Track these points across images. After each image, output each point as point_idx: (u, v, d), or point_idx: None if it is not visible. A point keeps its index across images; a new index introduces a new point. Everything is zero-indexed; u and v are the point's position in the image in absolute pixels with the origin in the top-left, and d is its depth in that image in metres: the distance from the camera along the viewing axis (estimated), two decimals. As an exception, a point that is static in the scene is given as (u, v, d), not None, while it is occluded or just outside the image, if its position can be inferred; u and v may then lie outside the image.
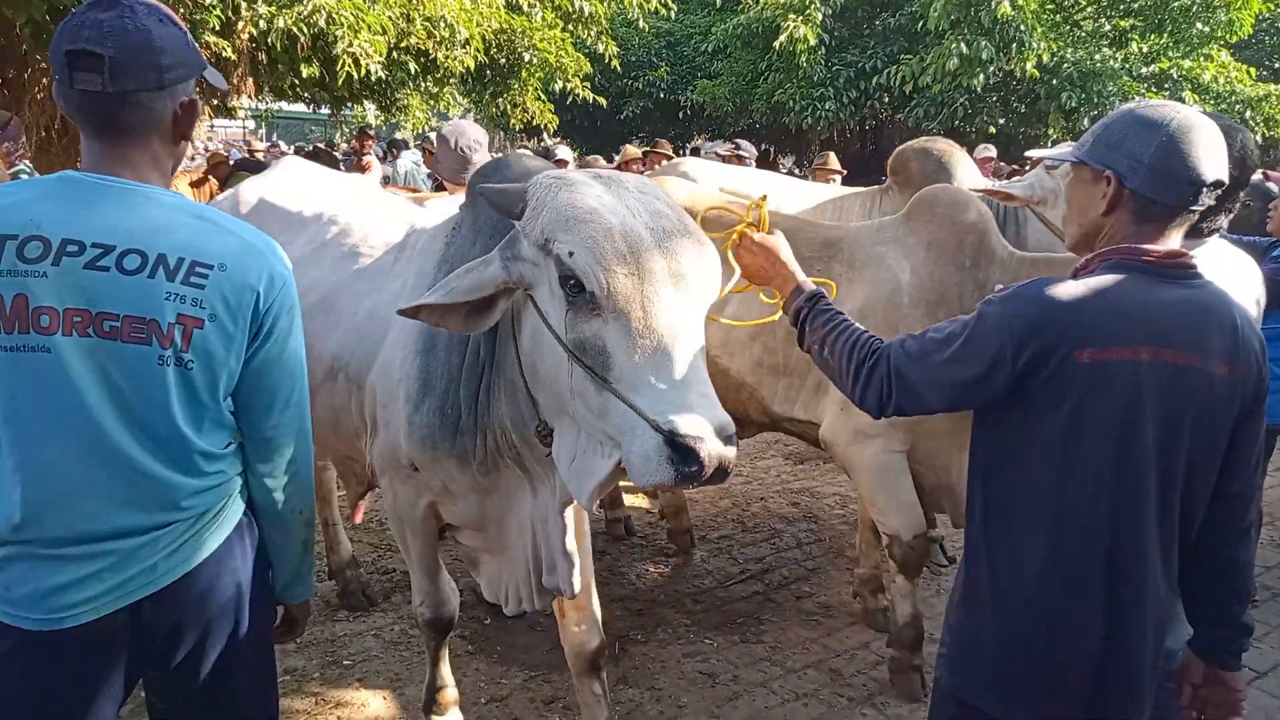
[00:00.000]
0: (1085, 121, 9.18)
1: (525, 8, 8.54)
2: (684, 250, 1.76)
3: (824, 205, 5.00)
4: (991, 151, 7.12)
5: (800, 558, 4.37)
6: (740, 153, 8.55)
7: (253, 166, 10.00)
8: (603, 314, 1.69)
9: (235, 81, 6.79)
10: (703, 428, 1.58)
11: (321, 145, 16.10)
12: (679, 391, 1.62)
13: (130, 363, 1.47)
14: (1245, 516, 1.75)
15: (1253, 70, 11.08)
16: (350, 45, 5.31)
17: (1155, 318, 1.59)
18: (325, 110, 11.86)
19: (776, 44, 9.32)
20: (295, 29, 5.09)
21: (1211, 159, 1.58)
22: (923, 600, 3.94)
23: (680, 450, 1.56)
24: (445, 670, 2.83)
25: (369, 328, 2.49)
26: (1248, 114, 10.49)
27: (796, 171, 18.56)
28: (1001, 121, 9.94)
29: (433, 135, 9.79)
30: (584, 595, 2.57)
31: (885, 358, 1.71)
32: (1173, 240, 1.65)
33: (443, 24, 6.21)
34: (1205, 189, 1.59)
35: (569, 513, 2.27)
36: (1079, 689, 1.65)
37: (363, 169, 10.18)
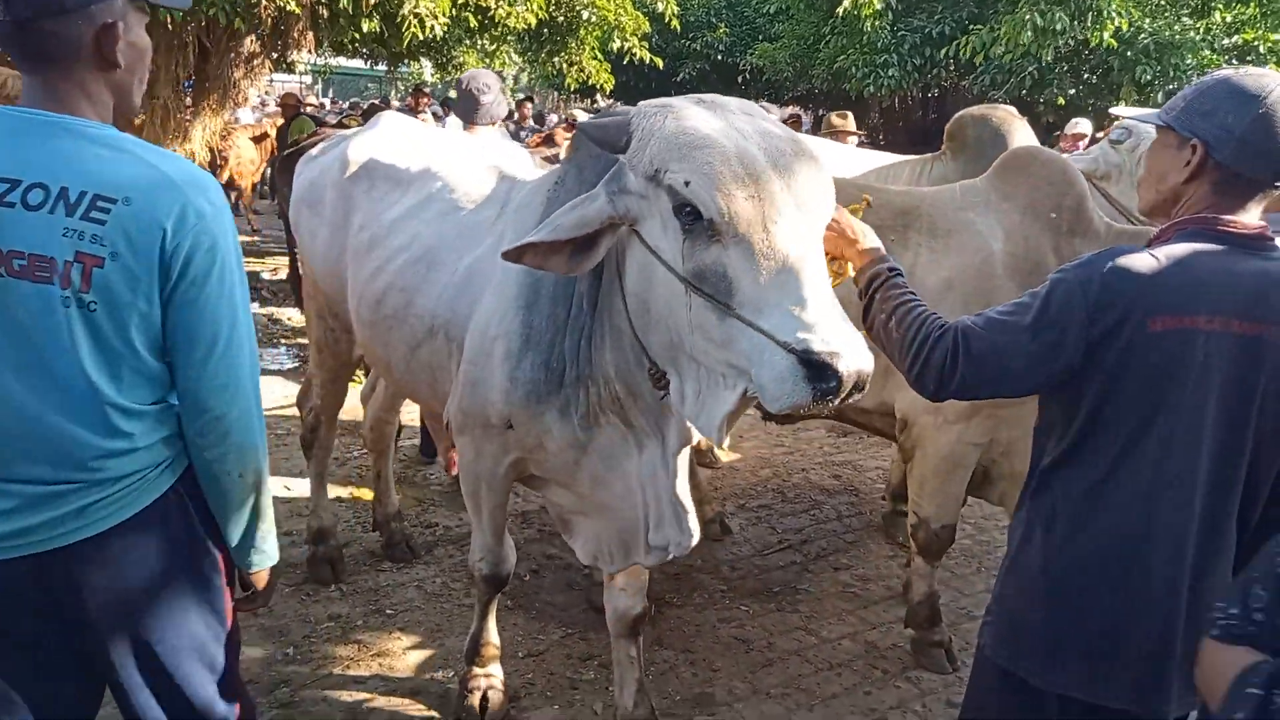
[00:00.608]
0: (1160, 96, 8.83)
1: (582, -37, 8.43)
2: (800, 170, 1.72)
3: (869, 173, 4.80)
4: (1085, 127, 6.65)
5: (840, 530, 4.35)
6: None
7: (315, 120, 10.12)
8: (723, 240, 1.66)
9: (296, 36, 6.87)
10: (836, 342, 1.56)
11: (377, 103, 16.23)
12: (807, 310, 1.59)
13: (33, 303, 1.40)
14: None
15: (1344, 44, 10.52)
16: (416, 5, 5.30)
17: (1230, 288, 1.54)
18: (382, 67, 11.92)
19: (841, 8, 9.07)
20: None
21: None
22: (960, 577, 3.93)
23: (815, 367, 1.54)
24: (491, 624, 2.88)
25: (469, 286, 2.46)
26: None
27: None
28: (1072, 93, 9.61)
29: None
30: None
31: (951, 333, 1.64)
32: (1253, 213, 1.60)
33: (505, -21, 6.15)
34: None
35: (681, 462, 2.26)
36: (1136, 677, 1.62)
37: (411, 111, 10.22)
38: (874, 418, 3.13)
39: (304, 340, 5.32)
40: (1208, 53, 9.08)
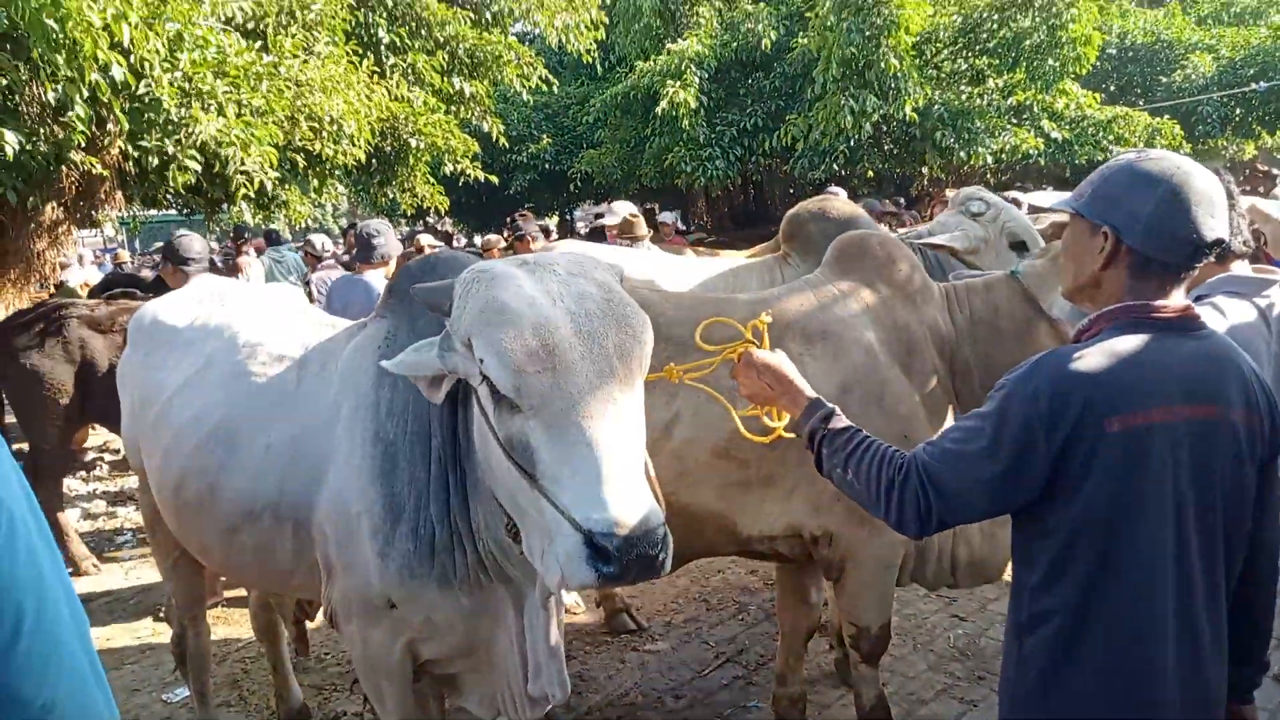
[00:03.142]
0: (962, 155, 9.67)
1: (406, 95, 8.43)
2: (609, 332, 1.69)
3: (716, 280, 4.68)
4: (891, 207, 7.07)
5: (771, 630, 4.22)
6: (892, 209, 8.33)
7: (127, 281, 9.44)
8: (524, 412, 1.67)
9: (103, 196, 6.42)
10: (622, 523, 1.53)
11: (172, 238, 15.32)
12: (600, 487, 1.57)
13: None
14: (1276, 561, 1.73)
15: (1098, 95, 11.93)
16: (242, 164, 5.06)
17: (1176, 375, 1.55)
18: (199, 215, 11.39)
19: (659, 109, 9.48)
20: (184, 157, 4.80)
21: (1212, 217, 1.54)
22: (900, 659, 3.85)
23: (599, 550, 1.53)
24: (431, 832, 2.55)
25: (297, 461, 2.27)
26: (1099, 135, 11.25)
27: (681, 227, 18.94)
28: (880, 165, 10.36)
29: (313, 237, 9.52)
30: None
31: (913, 470, 1.60)
32: (1176, 296, 1.61)
33: (329, 121, 6.00)
34: (1205, 249, 1.55)
35: (550, 610, 2.18)
36: None
37: (236, 270, 9.83)
38: (779, 543, 2.94)
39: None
40: (993, 115, 10.04)
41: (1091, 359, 1.54)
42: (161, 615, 3.36)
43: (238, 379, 2.49)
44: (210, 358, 2.60)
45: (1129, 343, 1.56)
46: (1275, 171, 10.52)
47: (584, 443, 1.60)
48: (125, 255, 18.01)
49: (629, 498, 1.57)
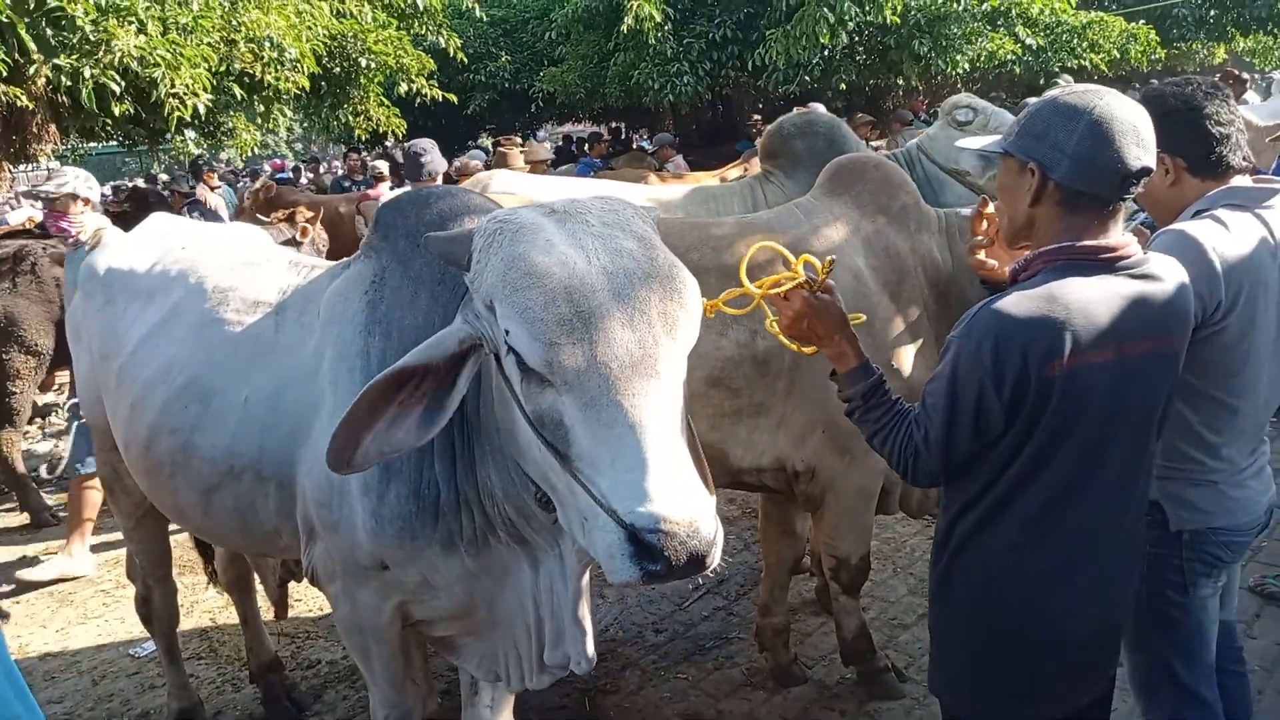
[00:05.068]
0: (940, 63, 9.40)
1: (353, 11, 7.97)
2: (652, 297, 1.48)
3: (693, 206, 4.43)
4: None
5: (751, 560, 4.18)
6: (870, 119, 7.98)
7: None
8: (555, 386, 1.47)
9: (35, 129, 6.05)
10: (670, 519, 1.34)
11: (140, 184, 14.77)
12: (644, 476, 1.37)
13: None
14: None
15: (1072, 0, 11.62)
16: (173, 86, 4.72)
17: (1116, 316, 1.56)
18: (142, 146, 10.90)
19: (624, 25, 9.05)
20: (105, 79, 4.46)
21: (1138, 145, 1.54)
22: (880, 583, 3.83)
23: (643, 547, 1.35)
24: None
25: (279, 417, 2.12)
26: (1074, 42, 10.99)
27: (646, 146, 18.48)
28: (853, 78, 10.06)
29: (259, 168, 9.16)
30: None
31: (914, 433, 1.68)
32: (1113, 232, 1.61)
33: (269, 44, 5.63)
34: (1132, 178, 1.55)
35: (584, 583, 2.01)
36: (1100, 665, 1.76)
37: (197, 204, 9.39)
38: (767, 476, 2.91)
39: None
40: (970, 20, 9.74)
41: (1026, 304, 1.56)
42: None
43: (209, 328, 2.30)
44: (176, 306, 2.41)
45: (1063, 285, 1.57)
46: (1245, 75, 10.35)
47: (625, 424, 1.41)
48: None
49: (677, 488, 1.38)
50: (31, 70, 5.08)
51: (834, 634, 3.26)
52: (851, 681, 3.20)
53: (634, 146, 15.67)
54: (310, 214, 5.97)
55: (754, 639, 3.39)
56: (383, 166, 9.91)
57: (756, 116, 12.79)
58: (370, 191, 9.00)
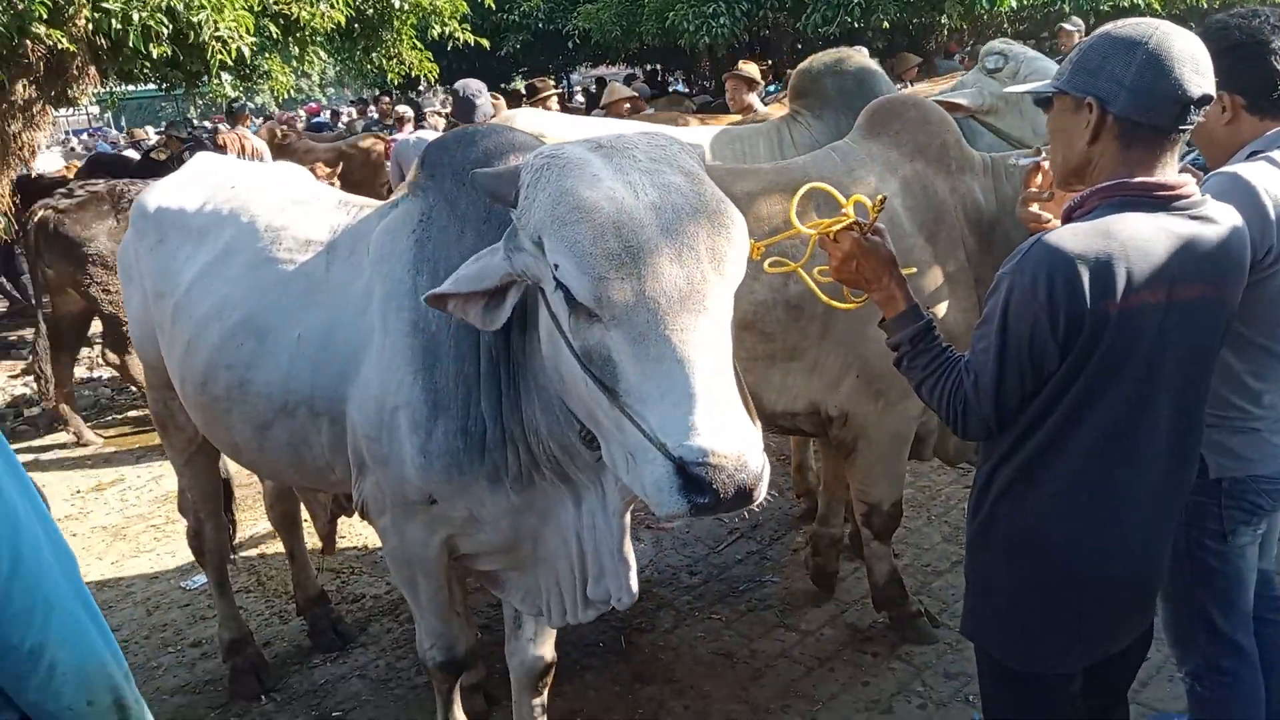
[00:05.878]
0: (984, 3, 9.08)
1: (387, -50, 7.87)
2: (700, 233, 1.50)
3: (721, 145, 4.28)
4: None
5: (785, 505, 4.22)
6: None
7: (112, 162, 9.11)
8: (604, 321, 1.49)
9: (75, 73, 6.08)
10: (718, 452, 1.37)
11: (179, 135, 14.78)
12: (692, 409, 1.40)
13: None
14: None
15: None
16: (216, 29, 4.72)
17: (1171, 256, 1.53)
18: (179, 89, 10.93)
19: (660, -40, 8.83)
20: (152, 22, 4.47)
21: (1197, 73, 1.50)
22: (914, 531, 3.84)
23: (691, 480, 1.38)
24: (458, 713, 2.57)
25: (330, 354, 2.17)
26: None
27: (683, 89, 18.09)
28: (894, 15, 9.75)
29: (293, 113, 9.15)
30: None
31: (964, 382, 1.64)
32: (1169, 168, 1.58)
33: (305, -22, 5.59)
34: (1192, 106, 1.51)
35: (626, 519, 2.06)
36: (1139, 609, 1.76)
37: (220, 148, 9.42)
38: (801, 420, 2.94)
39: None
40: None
41: (1084, 238, 1.52)
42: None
43: (263, 266, 2.35)
44: (229, 245, 2.45)
45: (1123, 220, 1.53)
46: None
47: (673, 359, 1.43)
48: (115, 135, 17.46)
49: (726, 422, 1.41)
50: (70, 11, 5.11)
51: (865, 580, 3.31)
52: (884, 625, 3.24)
53: (669, 90, 15.42)
54: (329, 170, 6.09)
55: (809, 546, 3.50)
56: (407, 110, 9.87)
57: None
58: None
